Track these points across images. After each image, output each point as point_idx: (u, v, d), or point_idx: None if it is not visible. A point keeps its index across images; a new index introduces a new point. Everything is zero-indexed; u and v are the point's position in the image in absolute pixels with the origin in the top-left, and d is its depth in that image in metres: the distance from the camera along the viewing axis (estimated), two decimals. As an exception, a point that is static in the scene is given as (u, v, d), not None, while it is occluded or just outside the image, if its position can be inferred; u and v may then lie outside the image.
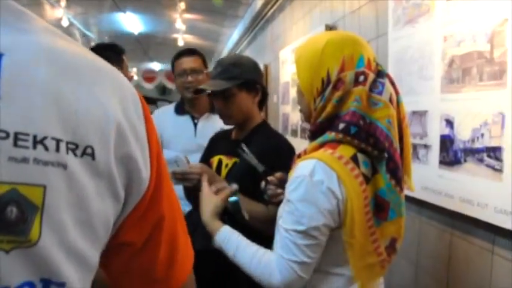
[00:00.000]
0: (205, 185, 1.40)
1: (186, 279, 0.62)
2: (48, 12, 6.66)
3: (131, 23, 7.95)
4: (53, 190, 0.44)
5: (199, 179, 1.51)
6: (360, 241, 1.06)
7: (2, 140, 0.41)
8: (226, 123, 1.70)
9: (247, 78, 1.60)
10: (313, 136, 1.17)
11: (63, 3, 6.36)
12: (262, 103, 1.72)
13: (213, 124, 2.16)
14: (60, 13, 6.57)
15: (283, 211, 1.13)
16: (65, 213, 0.45)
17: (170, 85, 14.86)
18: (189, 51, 2.35)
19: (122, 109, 0.52)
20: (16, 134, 0.42)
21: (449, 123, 1.43)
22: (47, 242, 0.44)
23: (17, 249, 0.42)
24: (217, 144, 1.79)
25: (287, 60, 3.78)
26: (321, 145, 1.11)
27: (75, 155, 0.45)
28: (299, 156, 1.18)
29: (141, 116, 0.55)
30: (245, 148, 1.48)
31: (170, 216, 0.59)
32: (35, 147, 0.43)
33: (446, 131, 1.44)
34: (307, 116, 1.21)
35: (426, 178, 1.56)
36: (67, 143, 0.45)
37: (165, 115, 2.39)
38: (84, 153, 0.46)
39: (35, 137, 0.43)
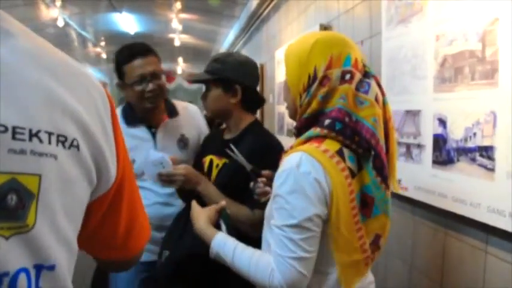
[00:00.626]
0: (194, 203, 1.40)
1: (139, 252, 0.75)
2: (44, 12, 6.64)
3: (127, 23, 7.94)
4: (47, 178, 0.49)
5: (185, 180, 1.52)
6: (345, 236, 1.05)
7: (1, 133, 0.46)
8: (206, 113, 1.77)
9: (224, 76, 1.60)
10: (298, 132, 1.17)
11: (58, 3, 6.35)
12: (251, 105, 1.69)
13: (174, 132, 1.90)
14: (55, 13, 6.56)
15: (271, 209, 1.12)
16: (55, 200, 0.51)
17: (167, 85, 14.88)
18: (143, 50, 1.79)
19: (95, 108, 0.57)
20: (14, 128, 0.47)
21: (442, 122, 1.43)
22: (41, 226, 0.49)
23: (16, 236, 0.46)
24: (209, 144, 1.80)
25: (282, 60, 3.77)
26: (306, 141, 1.12)
27: (64, 146, 0.51)
28: (285, 153, 1.18)
29: (109, 116, 0.60)
30: (233, 147, 1.48)
31: (130, 198, 0.67)
32: (30, 139, 0.48)
33: (439, 130, 1.44)
34: (293, 112, 1.22)
35: (419, 177, 1.56)
36: (57, 135, 0.50)
37: None
38: (71, 145, 0.52)
39: (30, 130, 0.48)
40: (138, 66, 1.75)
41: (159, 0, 6.26)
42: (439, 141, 1.44)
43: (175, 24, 7.26)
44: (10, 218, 0.46)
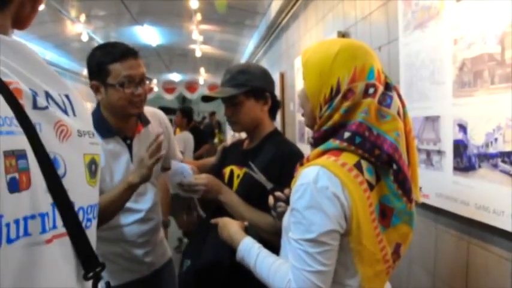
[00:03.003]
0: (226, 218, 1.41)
1: None
2: (69, 28, 6.83)
3: (149, 35, 8.07)
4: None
5: (206, 190, 1.51)
6: (368, 249, 1.05)
7: (80, 136, 0.77)
8: (234, 129, 1.70)
9: (254, 86, 1.60)
10: (315, 143, 1.16)
11: (82, 18, 6.52)
12: (274, 112, 1.71)
13: (148, 141, 1.66)
14: (80, 28, 6.73)
15: (289, 222, 1.12)
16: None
17: (189, 95, 15.01)
18: (134, 51, 1.66)
19: None
20: (79, 131, 0.77)
21: (462, 128, 1.40)
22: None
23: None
24: (230, 154, 1.79)
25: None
26: (324, 152, 1.10)
27: (89, 137, 0.81)
28: (301, 164, 1.17)
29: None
30: (253, 166, 1.47)
31: None
32: (90, 137, 0.81)
33: (460, 136, 1.41)
34: (310, 122, 1.20)
35: (441, 185, 1.53)
36: (88, 132, 0.81)
37: None
38: (88, 135, 0.81)
39: (88, 132, 0.81)
40: (130, 66, 1.60)
41: (179, 13, 6.35)
42: (460, 147, 1.41)
43: (196, 36, 7.34)
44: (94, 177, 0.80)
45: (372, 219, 1.04)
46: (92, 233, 0.76)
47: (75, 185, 0.72)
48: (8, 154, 0.59)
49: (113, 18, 7.00)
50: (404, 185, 1.07)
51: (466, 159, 1.38)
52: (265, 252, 1.19)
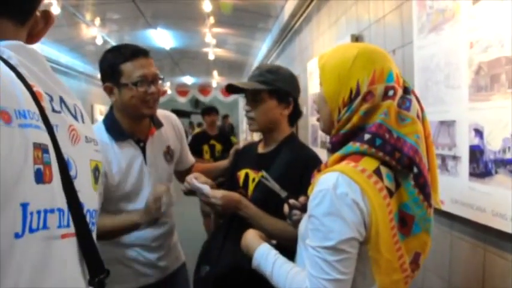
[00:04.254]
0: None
1: None
2: (84, 31, 6.91)
3: (162, 38, 8.14)
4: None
5: (223, 208, 1.51)
6: (386, 257, 1.02)
7: (88, 142, 0.80)
8: (251, 127, 1.68)
9: (279, 87, 1.59)
10: (333, 148, 1.14)
11: (97, 22, 6.59)
12: (294, 119, 1.69)
13: (161, 145, 1.77)
14: (95, 32, 6.81)
15: (306, 229, 1.10)
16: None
17: (202, 98, 15.09)
18: (145, 51, 1.66)
19: None
20: (86, 137, 0.80)
21: (479, 132, 1.37)
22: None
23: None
24: (243, 157, 1.77)
25: (315, 71, 3.75)
26: (343, 157, 1.08)
27: (94, 144, 0.84)
28: (319, 170, 1.15)
29: None
30: (267, 175, 1.46)
31: None
32: (95, 145, 0.84)
33: (476, 141, 1.38)
34: (327, 126, 1.18)
35: (456, 191, 1.50)
36: (93, 140, 0.84)
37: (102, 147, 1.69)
38: (94, 142, 0.85)
39: (93, 140, 0.83)
40: (141, 65, 1.60)
41: (192, 16, 6.38)
42: (476, 153, 1.38)
43: (209, 39, 7.38)
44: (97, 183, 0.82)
45: (391, 227, 1.02)
46: (94, 237, 0.77)
47: (84, 187, 0.74)
48: (36, 146, 0.63)
49: (127, 22, 7.07)
50: (425, 189, 1.05)
51: (482, 165, 1.35)
52: (281, 260, 1.17)
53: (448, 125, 1.54)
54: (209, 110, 5.32)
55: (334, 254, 1.01)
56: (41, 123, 0.66)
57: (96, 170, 0.81)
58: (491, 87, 1.30)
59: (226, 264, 1.49)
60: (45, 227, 0.64)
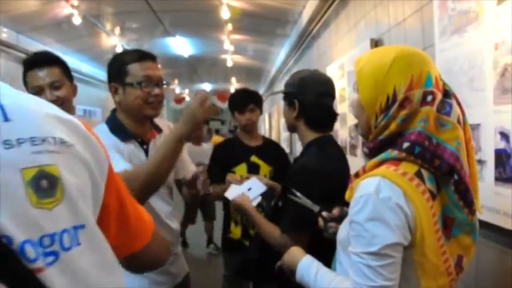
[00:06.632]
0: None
1: (141, 248, 0.84)
2: (104, 41, 7.02)
3: (181, 46, 8.22)
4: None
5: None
6: (431, 261, 1.01)
7: (11, 147, 0.60)
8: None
9: (286, 91, 1.71)
10: (371, 153, 1.13)
11: (117, 31, 6.69)
12: (312, 122, 1.67)
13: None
14: (115, 41, 6.91)
15: (347, 236, 1.08)
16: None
17: (221, 104, 15.16)
18: (152, 55, 1.71)
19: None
20: (7, 141, 0.60)
21: (505, 136, 1.33)
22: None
23: (56, 207, 0.61)
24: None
25: (334, 76, 3.72)
26: (381, 163, 1.07)
27: (35, 144, 0.62)
28: (357, 175, 1.13)
29: None
30: (295, 192, 1.46)
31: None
32: (37, 144, 0.62)
33: (502, 144, 1.35)
34: (366, 132, 1.17)
35: (482, 195, 1.45)
36: (33, 139, 0.63)
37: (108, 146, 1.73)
38: (32, 142, 0.65)
39: (34, 138, 0.62)
40: (148, 67, 1.64)
41: (211, 23, 6.43)
42: (502, 157, 1.35)
43: (227, 45, 7.41)
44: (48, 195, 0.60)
45: (435, 230, 1.01)
46: (65, 268, 0.60)
47: (8, 214, 0.56)
48: None
49: (146, 30, 7.16)
50: (466, 196, 1.04)
51: (508, 169, 1.32)
52: (324, 270, 1.17)
53: (472, 128, 1.49)
54: None
55: (379, 259, 0.99)
56: None
57: (42, 179, 0.59)
58: (517, 90, 1.27)
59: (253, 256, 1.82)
60: None
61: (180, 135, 1.45)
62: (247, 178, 2.19)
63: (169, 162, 1.45)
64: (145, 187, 1.40)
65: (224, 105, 15.11)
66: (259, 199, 1.99)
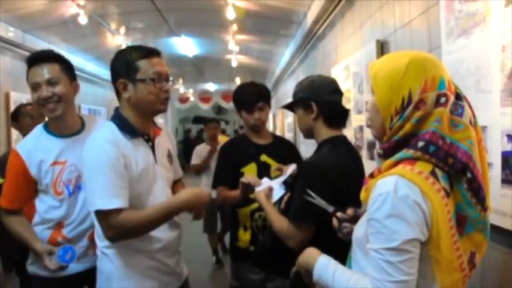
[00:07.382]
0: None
1: None
2: (109, 40, 7.03)
3: (186, 46, 8.23)
4: None
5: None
6: (446, 257, 1.04)
7: None
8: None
9: (299, 97, 1.76)
10: (385, 154, 1.15)
11: (122, 31, 6.71)
12: (329, 118, 1.73)
13: (164, 147, 1.82)
14: (120, 40, 6.93)
15: (365, 234, 1.11)
16: None
17: (225, 105, 15.17)
18: (157, 51, 1.73)
19: None
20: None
21: (511, 138, 1.33)
22: None
23: None
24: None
25: (339, 77, 3.72)
26: (397, 162, 1.10)
27: None
28: (372, 175, 1.16)
29: None
30: (311, 193, 1.49)
31: None
32: None
33: (508, 147, 1.35)
34: (380, 133, 1.20)
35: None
36: None
37: (118, 142, 1.64)
38: None
39: None
40: (157, 63, 1.67)
41: (216, 23, 6.43)
42: (508, 159, 1.35)
43: (232, 46, 7.42)
44: None
45: (450, 227, 1.04)
46: None
47: None
48: None
49: (151, 30, 7.17)
50: (479, 193, 1.07)
51: (515, 172, 1.32)
52: (342, 268, 1.18)
53: (478, 130, 1.50)
54: (199, 120, 5.34)
55: (398, 254, 1.01)
56: None
57: None
58: (524, 92, 1.27)
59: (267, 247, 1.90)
60: None
61: (179, 211, 1.67)
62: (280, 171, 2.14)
63: (160, 224, 1.64)
64: (134, 234, 1.61)
65: (228, 105, 15.12)
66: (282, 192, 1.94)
